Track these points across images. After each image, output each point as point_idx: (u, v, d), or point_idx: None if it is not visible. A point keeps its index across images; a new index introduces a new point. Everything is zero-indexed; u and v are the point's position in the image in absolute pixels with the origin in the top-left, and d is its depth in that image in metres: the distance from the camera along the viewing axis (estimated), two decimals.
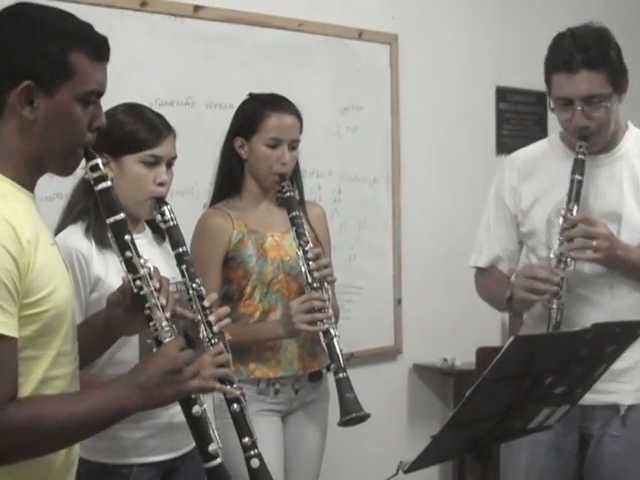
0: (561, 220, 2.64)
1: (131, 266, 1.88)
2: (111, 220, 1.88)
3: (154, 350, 1.86)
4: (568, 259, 2.61)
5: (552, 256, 2.65)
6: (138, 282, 1.87)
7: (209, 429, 1.92)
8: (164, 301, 1.89)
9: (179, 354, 1.80)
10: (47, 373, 1.72)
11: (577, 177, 2.64)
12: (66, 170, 1.83)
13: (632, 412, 2.69)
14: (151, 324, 1.87)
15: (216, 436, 1.94)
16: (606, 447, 2.70)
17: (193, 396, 1.87)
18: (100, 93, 1.80)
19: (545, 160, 2.73)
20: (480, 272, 2.96)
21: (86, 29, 1.79)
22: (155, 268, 1.93)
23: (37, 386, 1.70)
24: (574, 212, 2.63)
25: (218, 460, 1.91)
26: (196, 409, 1.88)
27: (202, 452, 1.91)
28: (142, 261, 1.89)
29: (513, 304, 2.77)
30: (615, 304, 2.68)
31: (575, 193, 2.64)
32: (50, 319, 1.70)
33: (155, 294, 1.88)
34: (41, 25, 1.74)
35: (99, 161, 1.84)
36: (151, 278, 1.89)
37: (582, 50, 2.60)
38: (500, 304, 2.86)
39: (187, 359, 1.80)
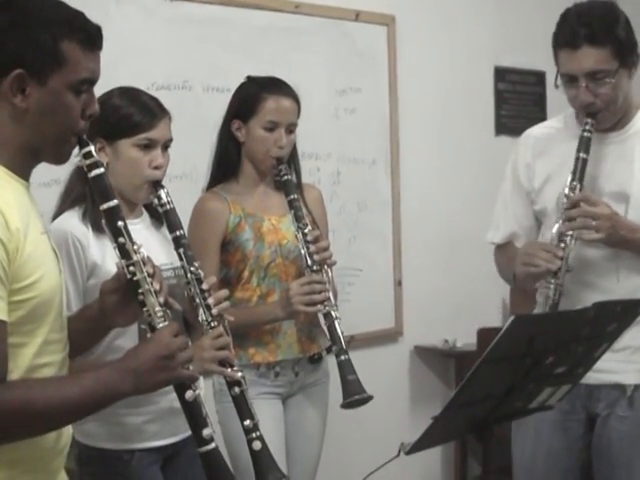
0: (564, 199, 2.60)
1: (124, 252, 1.88)
2: (104, 206, 1.88)
3: (148, 335, 1.86)
4: (568, 238, 2.58)
5: (553, 235, 2.61)
6: (132, 268, 1.87)
7: (203, 413, 1.91)
8: (157, 287, 1.89)
9: (172, 340, 1.80)
10: (34, 361, 1.72)
11: (582, 155, 2.59)
12: (60, 158, 1.83)
13: (639, 393, 2.66)
14: (144, 310, 1.87)
15: (210, 421, 1.93)
16: (613, 427, 2.68)
17: None
18: (93, 81, 1.79)
19: (559, 138, 2.69)
20: (497, 249, 2.94)
21: (78, 17, 1.77)
22: (148, 256, 1.93)
23: (25, 373, 1.71)
24: (577, 191, 2.58)
25: (212, 445, 1.91)
26: (189, 394, 1.87)
27: (196, 437, 1.91)
28: (135, 247, 1.88)
29: (517, 281, 2.76)
30: (620, 289, 2.63)
31: (579, 171, 2.59)
32: (35, 306, 1.70)
33: (148, 280, 1.88)
34: (32, 14, 1.73)
35: (92, 148, 1.84)
36: (144, 264, 1.88)
37: (585, 25, 2.55)
38: (510, 281, 2.84)
39: (180, 345, 1.80)
